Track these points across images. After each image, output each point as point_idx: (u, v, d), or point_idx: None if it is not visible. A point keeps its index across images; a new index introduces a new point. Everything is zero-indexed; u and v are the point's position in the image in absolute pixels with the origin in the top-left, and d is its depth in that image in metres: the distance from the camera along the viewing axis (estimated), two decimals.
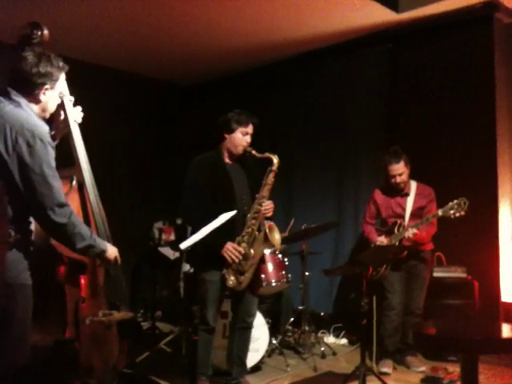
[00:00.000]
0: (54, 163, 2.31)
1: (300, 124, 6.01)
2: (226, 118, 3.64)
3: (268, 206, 3.55)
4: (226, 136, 3.63)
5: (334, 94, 5.75)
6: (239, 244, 3.50)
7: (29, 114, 2.33)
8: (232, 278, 3.49)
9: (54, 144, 2.68)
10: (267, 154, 3.58)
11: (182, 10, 4.86)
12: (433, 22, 4.97)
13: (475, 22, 4.80)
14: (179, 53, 5.94)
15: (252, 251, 3.51)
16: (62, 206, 2.29)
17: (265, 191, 3.57)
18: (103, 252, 2.51)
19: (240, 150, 3.62)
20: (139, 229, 6.10)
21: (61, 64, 2.47)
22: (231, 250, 3.45)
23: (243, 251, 3.48)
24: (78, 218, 2.40)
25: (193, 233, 2.96)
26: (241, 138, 3.60)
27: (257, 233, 3.54)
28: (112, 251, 2.60)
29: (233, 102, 6.30)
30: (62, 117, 2.64)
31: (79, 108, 2.72)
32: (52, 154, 2.31)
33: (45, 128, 2.35)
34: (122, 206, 5.82)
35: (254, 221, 3.54)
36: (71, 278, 2.63)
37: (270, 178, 3.58)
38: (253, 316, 3.77)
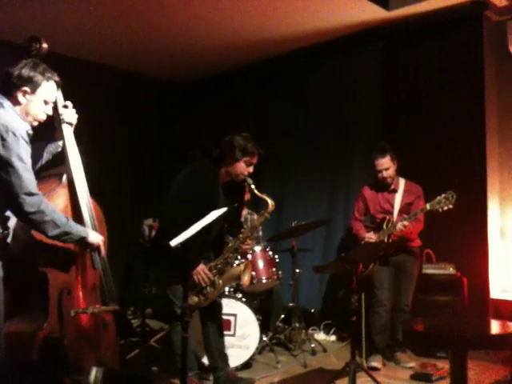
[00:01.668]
0: (26, 157, 2.43)
1: (295, 121, 6.00)
2: (231, 143, 3.52)
3: (248, 246, 3.61)
4: (229, 161, 3.54)
5: (328, 91, 5.76)
6: (210, 270, 3.49)
7: (9, 113, 2.46)
8: (195, 298, 3.49)
9: (57, 145, 2.84)
10: (265, 197, 3.54)
11: (180, 8, 4.85)
12: (423, 20, 4.99)
13: (465, 19, 4.83)
14: (177, 50, 5.93)
15: (220, 282, 3.49)
16: (32, 194, 2.40)
17: (250, 231, 3.59)
18: (83, 238, 2.62)
19: (240, 178, 3.56)
20: (129, 226, 6.07)
21: (48, 74, 2.59)
22: (201, 274, 3.43)
23: (212, 278, 3.47)
24: (49, 206, 2.48)
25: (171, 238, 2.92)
26: (244, 167, 3.53)
27: (230, 266, 3.55)
28: (96, 238, 2.70)
29: (230, 99, 6.38)
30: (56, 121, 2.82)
31: (74, 110, 2.85)
32: (25, 148, 2.43)
33: (23, 126, 2.48)
34: (112, 203, 5.79)
35: (231, 255, 3.55)
36: (54, 264, 2.67)
37: (260, 221, 3.60)
38: (219, 305, 3.77)
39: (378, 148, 4.35)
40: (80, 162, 2.85)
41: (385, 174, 4.31)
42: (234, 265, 3.69)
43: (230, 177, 3.60)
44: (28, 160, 2.44)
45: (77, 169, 2.83)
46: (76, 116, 2.87)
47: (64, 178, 2.82)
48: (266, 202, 3.54)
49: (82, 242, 2.64)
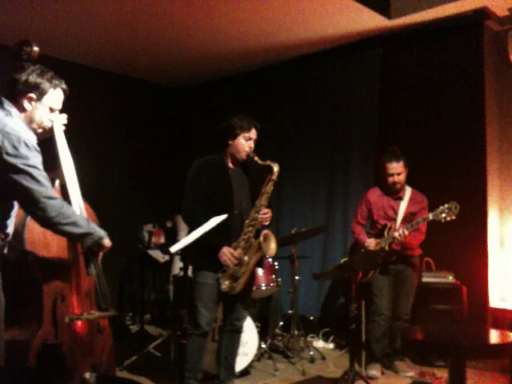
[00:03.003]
0: (40, 165, 2.40)
1: (290, 128, 6.02)
2: (229, 123, 3.64)
3: (266, 215, 3.56)
4: (230, 142, 3.63)
5: (326, 97, 5.77)
6: (235, 249, 3.51)
7: (18, 122, 2.43)
8: (226, 282, 3.50)
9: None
10: (268, 162, 3.58)
11: (179, 14, 4.87)
12: (424, 29, 5.01)
13: (465, 29, 4.84)
14: (176, 56, 5.95)
15: (246, 258, 3.51)
16: (52, 198, 2.39)
17: (263, 199, 3.56)
18: (101, 239, 2.64)
19: (243, 155, 3.61)
20: (129, 231, 6.08)
21: (55, 81, 2.56)
22: (227, 255, 3.46)
23: (239, 256, 3.49)
24: (70, 208, 2.50)
25: (191, 232, 2.97)
26: (243, 143, 3.60)
27: (253, 240, 3.54)
28: (109, 242, 2.73)
29: (229, 105, 6.38)
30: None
31: (64, 115, 2.83)
32: (38, 157, 2.40)
33: (31, 136, 2.45)
34: (112, 208, 5.81)
35: (250, 228, 3.54)
36: (47, 271, 2.69)
37: (269, 187, 3.57)
38: (242, 320, 3.77)
39: (392, 152, 4.34)
40: (73, 167, 2.84)
41: (396, 178, 4.30)
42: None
43: (236, 160, 3.66)
44: (41, 167, 2.41)
45: (69, 174, 2.82)
46: (65, 119, 2.84)
47: (57, 183, 2.82)
48: (271, 168, 3.57)
49: (99, 243, 2.65)
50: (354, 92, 5.57)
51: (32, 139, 2.42)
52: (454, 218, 3.95)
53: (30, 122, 2.52)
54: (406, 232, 4.10)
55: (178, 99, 7.13)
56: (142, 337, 5.13)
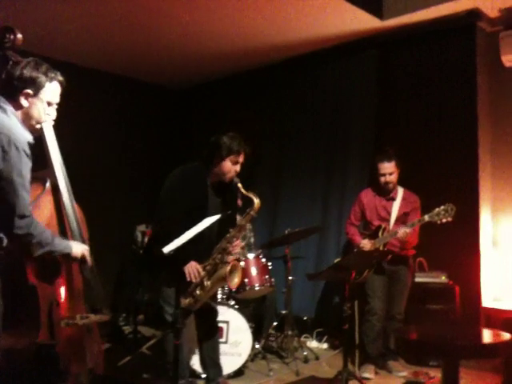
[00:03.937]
0: (27, 173, 2.32)
1: (288, 128, 6.03)
2: (218, 142, 3.53)
3: (236, 246, 3.53)
4: (216, 161, 3.54)
5: (322, 99, 5.78)
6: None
7: (13, 121, 2.34)
8: (186, 300, 3.45)
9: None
10: (251, 195, 3.50)
11: (175, 16, 4.87)
12: (417, 30, 5.02)
13: (458, 30, 4.86)
14: (176, 57, 5.95)
15: (209, 283, 3.45)
16: (23, 217, 2.30)
17: (237, 231, 3.51)
18: (66, 255, 2.57)
19: (227, 177, 3.54)
20: (122, 231, 6.06)
21: (51, 74, 2.46)
22: (193, 268, 3.40)
23: (202, 274, 3.43)
24: (38, 226, 2.39)
25: (164, 242, 2.92)
26: (230, 166, 3.52)
27: (220, 266, 3.49)
28: (78, 250, 2.63)
29: (227, 105, 6.40)
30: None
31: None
32: (27, 163, 2.32)
33: (25, 137, 2.36)
34: (105, 208, 5.80)
35: (219, 255, 3.49)
36: (43, 276, 2.63)
37: (246, 221, 3.52)
38: (214, 315, 3.75)
39: (384, 152, 4.37)
40: (63, 166, 2.78)
41: (388, 178, 4.32)
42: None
43: (219, 177, 3.58)
44: (27, 176, 2.32)
45: (60, 172, 2.76)
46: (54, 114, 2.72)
47: (48, 183, 2.77)
48: (252, 201, 3.50)
49: (66, 256, 2.60)
50: (352, 91, 5.57)
51: (25, 141, 2.33)
52: (450, 219, 3.96)
53: (27, 118, 2.42)
54: (408, 230, 4.11)
55: (177, 100, 7.13)
56: (136, 337, 5.13)
